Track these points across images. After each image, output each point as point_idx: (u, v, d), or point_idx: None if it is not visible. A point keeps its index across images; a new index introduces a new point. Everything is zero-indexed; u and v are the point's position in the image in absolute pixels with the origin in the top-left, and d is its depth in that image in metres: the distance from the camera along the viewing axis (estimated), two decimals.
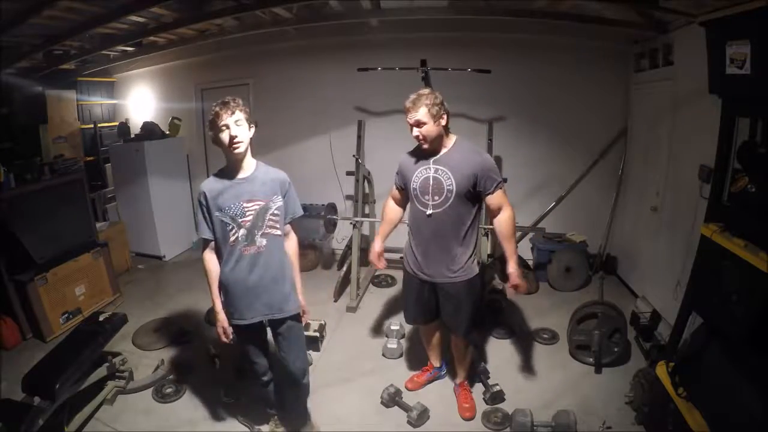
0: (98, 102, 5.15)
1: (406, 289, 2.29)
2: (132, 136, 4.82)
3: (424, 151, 2.04)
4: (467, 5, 3.38)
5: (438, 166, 1.99)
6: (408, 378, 2.57)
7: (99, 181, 4.85)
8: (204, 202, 1.75)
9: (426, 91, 1.99)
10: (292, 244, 1.94)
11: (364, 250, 4.12)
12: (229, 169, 1.78)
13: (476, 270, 2.10)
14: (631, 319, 3.03)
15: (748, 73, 1.58)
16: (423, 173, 2.02)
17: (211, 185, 1.76)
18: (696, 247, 1.95)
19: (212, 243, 1.81)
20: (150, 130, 4.68)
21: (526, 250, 4.19)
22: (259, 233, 1.76)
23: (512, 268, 2.01)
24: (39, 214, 3.19)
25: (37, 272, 3.09)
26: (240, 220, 1.74)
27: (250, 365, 2.02)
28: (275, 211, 1.79)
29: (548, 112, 4.01)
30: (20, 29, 3.03)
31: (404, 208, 2.25)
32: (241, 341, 1.94)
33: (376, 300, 3.68)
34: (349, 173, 3.96)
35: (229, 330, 1.86)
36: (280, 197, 1.81)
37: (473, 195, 1.99)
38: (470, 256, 2.07)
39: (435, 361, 2.56)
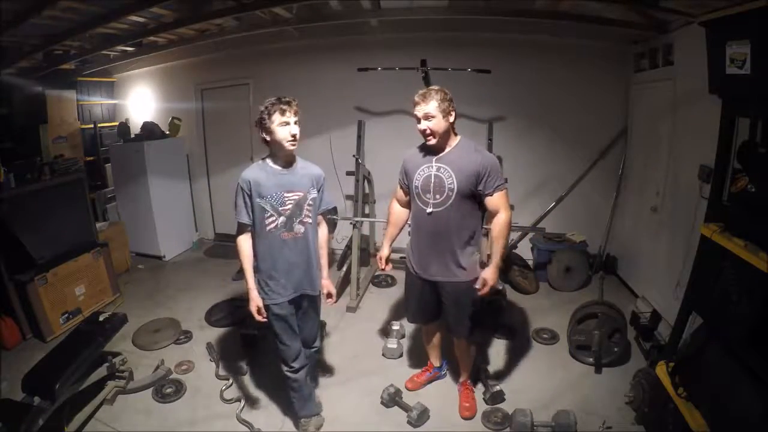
0: (98, 102, 5.16)
1: (408, 288, 2.29)
2: (132, 136, 4.82)
3: (428, 149, 2.02)
4: (467, 5, 3.38)
5: (441, 165, 1.98)
6: (408, 378, 2.57)
7: (99, 181, 4.86)
8: (246, 189, 1.89)
9: (436, 87, 1.98)
10: (323, 233, 2.12)
11: (364, 250, 4.13)
12: (273, 161, 1.93)
13: (479, 271, 2.05)
14: (631, 319, 3.03)
15: (748, 73, 1.58)
16: (425, 171, 2.01)
17: (255, 173, 1.90)
18: (696, 247, 1.95)
19: (249, 228, 1.94)
20: (150, 130, 4.68)
21: (526, 250, 4.19)
22: (297, 221, 1.93)
23: (490, 271, 1.96)
24: (39, 214, 3.19)
25: (37, 272, 3.09)
26: (280, 209, 1.89)
27: (281, 350, 2.04)
28: (310, 202, 1.96)
29: (548, 112, 4.01)
30: (20, 29, 3.03)
31: (409, 209, 2.22)
32: (273, 322, 2.00)
33: (376, 300, 3.68)
34: (349, 173, 3.96)
35: (263, 309, 1.97)
36: (315, 190, 1.99)
37: (475, 195, 1.97)
38: (472, 256, 2.06)
39: (435, 361, 2.56)
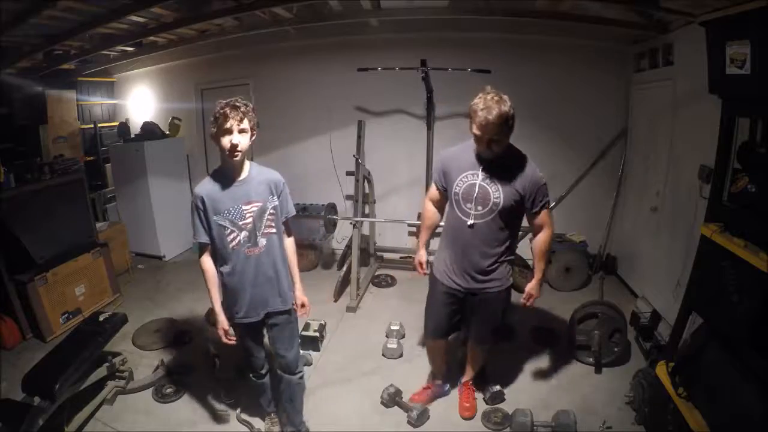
0: (98, 102, 5.16)
1: (434, 302, 2.15)
2: (132, 136, 4.82)
3: (478, 153, 1.88)
4: (467, 5, 3.38)
5: (487, 175, 1.85)
6: (407, 385, 2.48)
7: (99, 181, 4.86)
8: (201, 206, 1.74)
9: (495, 94, 1.74)
10: (289, 242, 1.97)
11: (364, 250, 4.13)
12: (225, 172, 1.77)
13: (510, 281, 2.03)
14: (631, 319, 3.03)
15: (748, 73, 1.58)
16: (469, 179, 1.87)
17: (207, 189, 1.75)
18: (696, 247, 1.95)
19: (210, 246, 1.82)
20: (150, 130, 4.68)
21: (526, 250, 4.17)
22: (260, 234, 1.79)
23: (533, 285, 2.02)
24: (39, 214, 3.19)
25: (37, 272, 3.09)
26: (240, 223, 1.75)
27: (249, 359, 2.06)
28: (272, 211, 1.81)
29: (548, 112, 4.01)
30: (20, 29, 3.03)
31: (443, 212, 2.11)
32: (242, 338, 1.98)
33: (376, 300, 3.68)
34: (349, 173, 3.96)
35: (231, 331, 1.90)
36: (275, 197, 1.82)
37: (518, 209, 1.89)
38: (506, 266, 2.00)
39: (439, 377, 2.48)
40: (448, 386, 2.51)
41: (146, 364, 2.78)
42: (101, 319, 2.53)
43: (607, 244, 4.14)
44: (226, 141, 1.65)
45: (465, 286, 2.01)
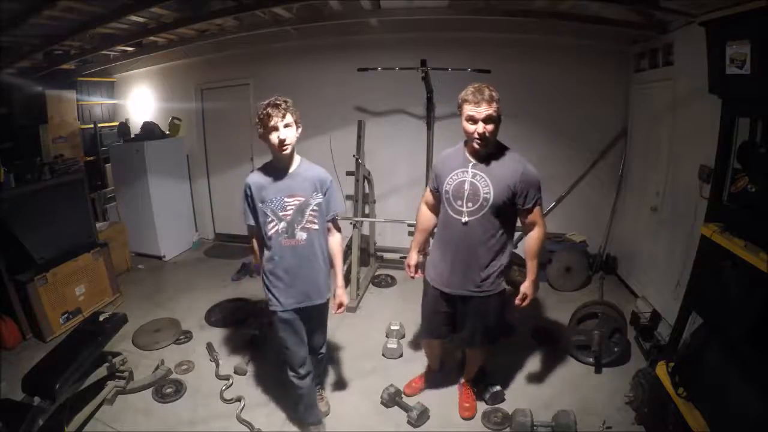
0: (98, 102, 5.16)
1: (428, 303, 2.15)
2: (132, 136, 4.82)
3: (468, 152, 1.90)
4: (467, 5, 3.38)
5: (477, 171, 1.85)
6: (406, 383, 2.52)
7: (99, 181, 4.86)
8: (249, 194, 1.88)
9: (486, 84, 1.78)
10: (334, 239, 2.04)
11: (364, 250, 4.13)
12: (274, 165, 1.89)
13: (503, 285, 1.99)
14: (631, 319, 3.03)
15: (748, 73, 1.58)
16: (459, 176, 1.88)
17: (256, 178, 1.88)
18: (696, 247, 1.95)
19: (257, 230, 1.93)
20: (150, 130, 4.68)
21: None
22: (299, 227, 1.87)
23: (527, 285, 1.96)
24: (39, 214, 3.19)
25: (37, 272, 3.09)
26: (281, 214, 1.85)
27: (286, 354, 2.00)
28: (314, 207, 1.89)
29: (548, 112, 4.01)
30: (20, 29, 3.03)
31: (437, 215, 2.11)
32: (278, 328, 1.98)
33: (376, 300, 3.69)
34: (349, 173, 3.96)
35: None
36: (320, 194, 1.90)
37: (510, 206, 1.87)
38: (498, 269, 1.95)
39: (434, 366, 2.53)
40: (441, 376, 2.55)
41: (146, 364, 2.78)
42: (101, 319, 2.54)
43: (607, 244, 4.14)
44: (274, 137, 1.77)
45: (456, 286, 1.99)
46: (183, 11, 3.31)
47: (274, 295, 1.93)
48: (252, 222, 1.92)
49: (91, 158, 4.89)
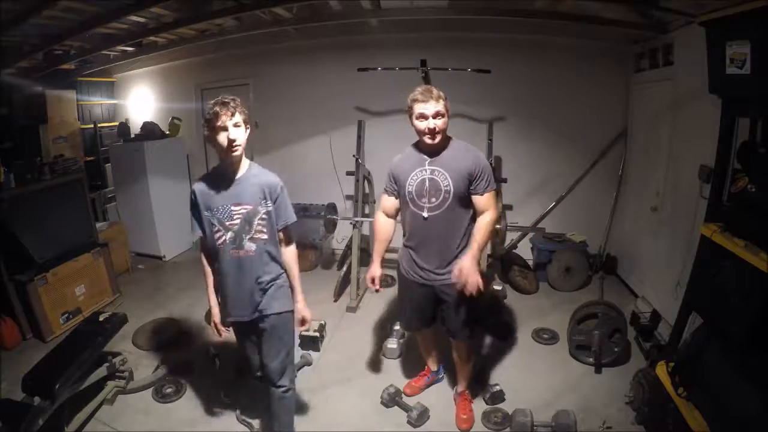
0: (98, 102, 5.16)
1: (403, 295, 2.23)
2: (132, 136, 4.82)
3: (419, 152, 1.99)
4: (467, 5, 3.38)
5: (434, 167, 1.93)
6: (406, 384, 2.52)
7: (99, 181, 4.85)
8: (194, 201, 1.75)
9: (432, 86, 1.93)
10: (288, 251, 1.87)
11: (364, 250, 4.12)
12: (221, 170, 1.74)
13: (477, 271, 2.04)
14: (631, 319, 3.03)
15: (748, 73, 1.58)
16: (419, 175, 1.95)
17: (201, 185, 1.75)
18: (696, 247, 1.95)
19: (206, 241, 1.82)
20: (150, 130, 4.68)
21: (526, 250, 4.19)
22: (247, 237, 1.72)
23: (467, 258, 1.83)
24: (39, 214, 3.19)
25: (37, 272, 3.09)
26: (227, 223, 1.71)
27: (246, 360, 2.04)
28: (263, 216, 1.73)
29: (548, 112, 4.01)
30: (20, 29, 3.03)
31: (395, 219, 2.16)
32: (236, 337, 1.98)
33: (376, 300, 3.68)
34: (349, 173, 3.96)
35: (221, 327, 1.89)
36: (269, 202, 1.74)
37: (469, 195, 1.94)
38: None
39: (432, 365, 2.53)
40: (442, 374, 2.57)
41: (146, 364, 2.78)
42: (101, 319, 2.53)
43: (607, 244, 4.14)
44: (222, 138, 1.62)
45: (426, 277, 2.03)
46: (183, 11, 3.31)
47: (224, 306, 1.84)
48: (199, 232, 1.78)
49: (91, 158, 4.89)
